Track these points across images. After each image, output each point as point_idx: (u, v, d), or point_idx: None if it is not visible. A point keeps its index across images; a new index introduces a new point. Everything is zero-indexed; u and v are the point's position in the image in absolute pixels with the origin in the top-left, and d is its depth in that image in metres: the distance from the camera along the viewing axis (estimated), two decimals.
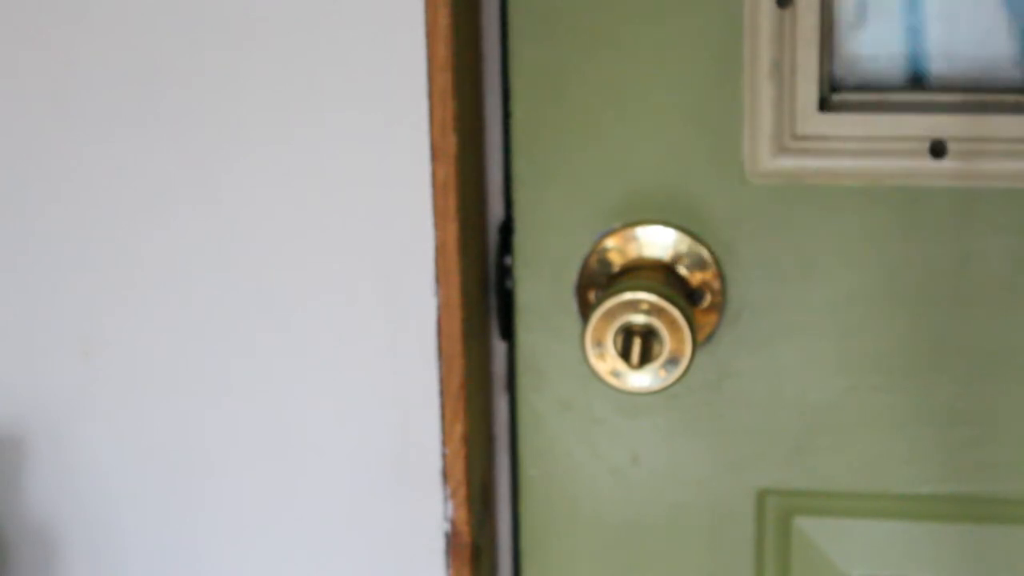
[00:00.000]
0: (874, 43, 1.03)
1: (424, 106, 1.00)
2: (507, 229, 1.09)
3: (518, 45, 1.05)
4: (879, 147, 1.02)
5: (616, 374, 1.00)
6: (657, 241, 1.06)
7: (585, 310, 1.07)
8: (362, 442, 1.06)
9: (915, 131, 1.01)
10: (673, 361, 0.99)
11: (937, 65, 1.03)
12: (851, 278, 1.05)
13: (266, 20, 1.01)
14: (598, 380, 1.01)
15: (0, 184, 1.06)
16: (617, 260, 1.06)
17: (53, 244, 1.06)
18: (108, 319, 1.07)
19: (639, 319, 0.98)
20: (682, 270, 1.06)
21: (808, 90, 1.01)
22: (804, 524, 1.10)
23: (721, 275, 1.06)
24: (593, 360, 1.00)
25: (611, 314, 0.99)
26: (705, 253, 1.06)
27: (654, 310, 0.98)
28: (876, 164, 1.02)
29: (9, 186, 1.06)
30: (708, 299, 1.06)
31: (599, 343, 0.99)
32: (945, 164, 1.01)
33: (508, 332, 1.10)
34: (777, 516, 1.10)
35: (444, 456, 1.05)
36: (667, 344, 0.99)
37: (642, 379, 1.00)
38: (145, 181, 1.04)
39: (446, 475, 1.05)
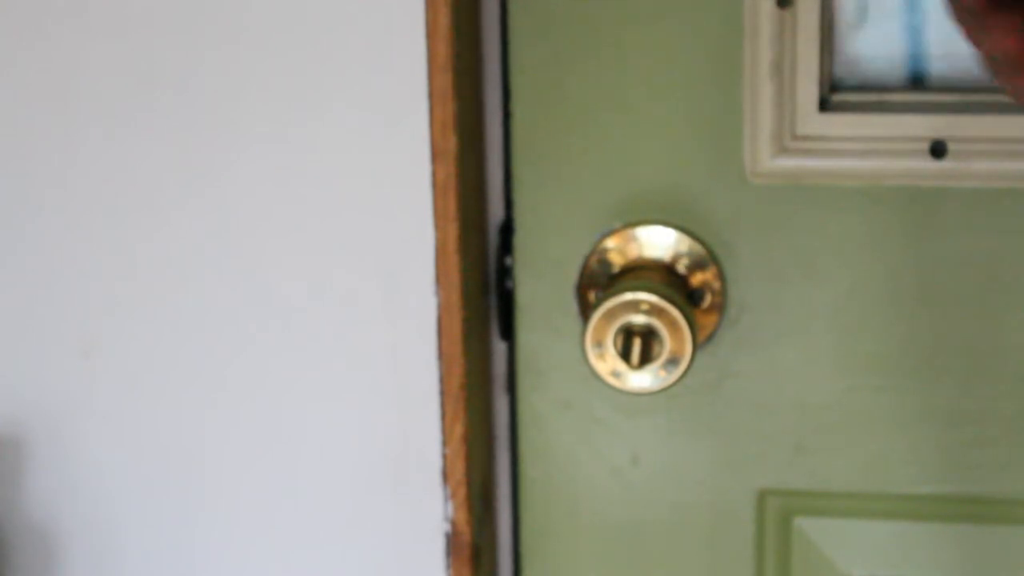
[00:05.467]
0: (874, 43, 1.04)
1: (424, 106, 1.00)
2: (507, 229, 1.09)
3: (518, 45, 1.05)
4: (879, 147, 1.02)
5: (616, 374, 1.00)
6: (657, 241, 1.06)
7: (585, 310, 1.07)
8: (362, 442, 1.06)
9: (915, 131, 1.01)
10: (673, 361, 0.99)
11: (937, 65, 1.03)
12: (851, 278, 1.05)
13: (265, 19, 1.01)
14: (598, 380, 1.01)
15: (0, 184, 1.06)
16: (617, 260, 1.06)
17: (53, 244, 1.06)
18: (108, 319, 1.07)
19: (639, 319, 0.99)
20: (682, 270, 1.06)
21: (808, 90, 1.01)
22: (804, 524, 1.10)
23: (721, 275, 1.06)
24: (593, 360, 1.00)
25: (611, 314, 0.99)
26: (705, 253, 1.06)
27: (654, 310, 0.98)
28: (876, 164, 1.02)
29: (9, 186, 1.06)
30: (708, 299, 1.06)
31: (599, 343, 0.99)
32: (945, 164, 1.01)
33: (508, 332, 1.10)
34: (777, 516, 1.10)
35: (444, 456, 1.05)
36: (667, 344, 0.99)
37: (642, 379, 1.00)
38: (145, 181, 1.04)
39: (446, 475, 1.05)
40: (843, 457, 1.08)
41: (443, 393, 1.04)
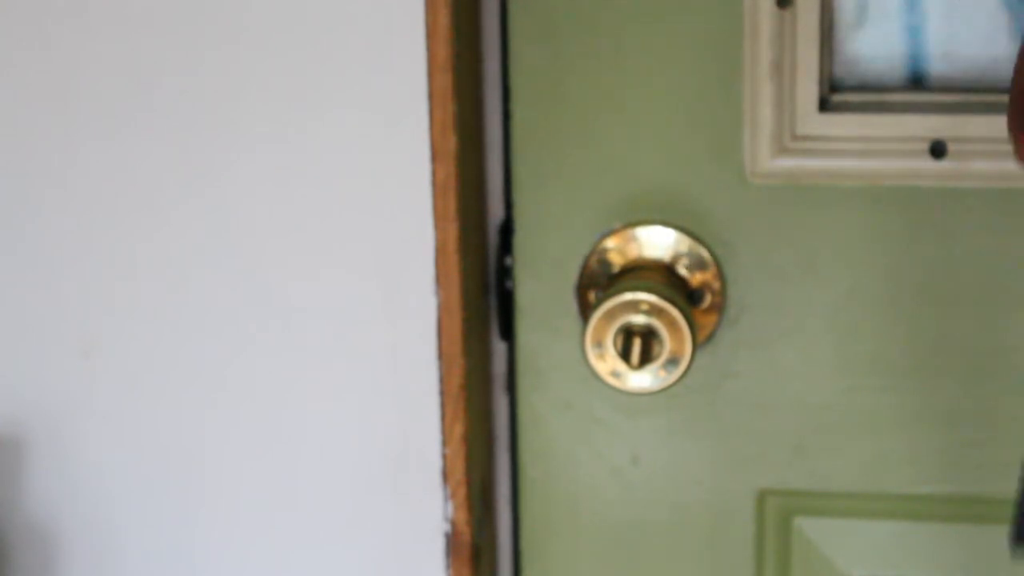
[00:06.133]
0: (874, 43, 1.04)
1: (424, 107, 1.00)
2: (507, 229, 1.09)
3: (518, 45, 1.05)
4: (879, 147, 1.02)
5: (616, 374, 1.00)
6: (657, 241, 1.06)
7: (585, 310, 1.07)
8: (362, 442, 1.06)
9: (915, 131, 1.01)
10: (673, 361, 0.99)
11: (937, 65, 1.03)
12: (851, 278, 1.05)
13: (265, 19, 1.01)
14: (598, 380, 1.01)
15: (0, 184, 1.06)
16: (617, 260, 1.06)
17: (53, 244, 1.06)
18: (108, 319, 1.07)
19: (639, 319, 0.99)
20: (682, 270, 1.06)
21: (808, 90, 1.01)
22: (804, 524, 1.10)
23: (721, 275, 1.06)
24: (593, 360, 1.00)
25: (611, 314, 0.99)
26: (705, 253, 1.06)
27: (654, 310, 0.98)
28: (876, 164, 1.02)
29: (9, 186, 1.06)
30: (708, 299, 1.06)
31: (599, 343, 0.99)
32: (945, 164, 1.01)
33: (508, 332, 1.10)
34: (777, 516, 1.10)
35: (444, 456, 1.05)
36: (667, 344, 0.99)
37: (642, 379, 1.00)
38: (145, 181, 1.04)
39: (446, 475, 1.05)
40: (843, 457, 1.08)
41: (443, 393, 1.04)
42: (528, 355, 1.10)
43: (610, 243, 1.06)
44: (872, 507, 1.09)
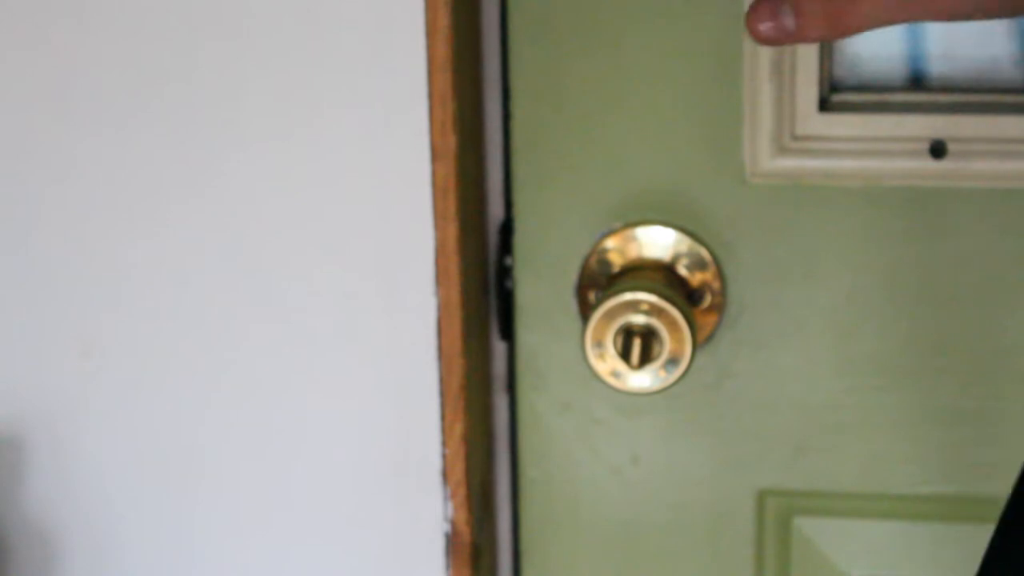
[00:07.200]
0: (874, 43, 1.04)
1: (424, 106, 1.00)
2: (507, 229, 1.09)
3: (518, 45, 1.05)
4: (879, 147, 1.02)
5: (616, 374, 1.00)
6: (657, 241, 1.06)
7: (585, 310, 1.07)
8: (362, 442, 1.06)
9: (915, 131, 1.01)
10: (673, 361, 0.99)
11: (937, 65, 1.03)
12: (851, 278, 1.05)
13: (265, 19, 1.01)
14: (598, 380, 1.01)
15: (0, 184, 1.06)
16: (617, 260, 1.06)
17: (52, 244, 1.06)
18: (107, 319, 1.07)
19: (639, 319, 0.99)
20: (682, 270, 1.06)
21: (808, 90, 1.01)
22: (804, 524, 1.10)
23: (721, 275, 1.06)
24: (593, 360, 1.00)
25: (611, 314, 0.99)
26: (705, 253, 1.06)
27: (654, 310, 0.98)
28: (876, 164, 1.02)
29: (7, 186, 1.06)
30: (708, 299, 1.06)
31: (599, 343, 0.99)
32: (945, 164, 1.01)
33: (508, 332, 1.10)
34: (777, 516, 1.10)
35: (444, 456, 1.05)
36: (667, 344, 0.99)
37: (642, 379, 1.00)
38: (144, 181, 1.04)
39: (446, 475, 1.05)
40: (843, 457, 1.08)
41: (443, 393, 1.04)
42: (528, 355, 1.10)
43: (610, 243, 1.06)
44: (872, 507, 1.09)
